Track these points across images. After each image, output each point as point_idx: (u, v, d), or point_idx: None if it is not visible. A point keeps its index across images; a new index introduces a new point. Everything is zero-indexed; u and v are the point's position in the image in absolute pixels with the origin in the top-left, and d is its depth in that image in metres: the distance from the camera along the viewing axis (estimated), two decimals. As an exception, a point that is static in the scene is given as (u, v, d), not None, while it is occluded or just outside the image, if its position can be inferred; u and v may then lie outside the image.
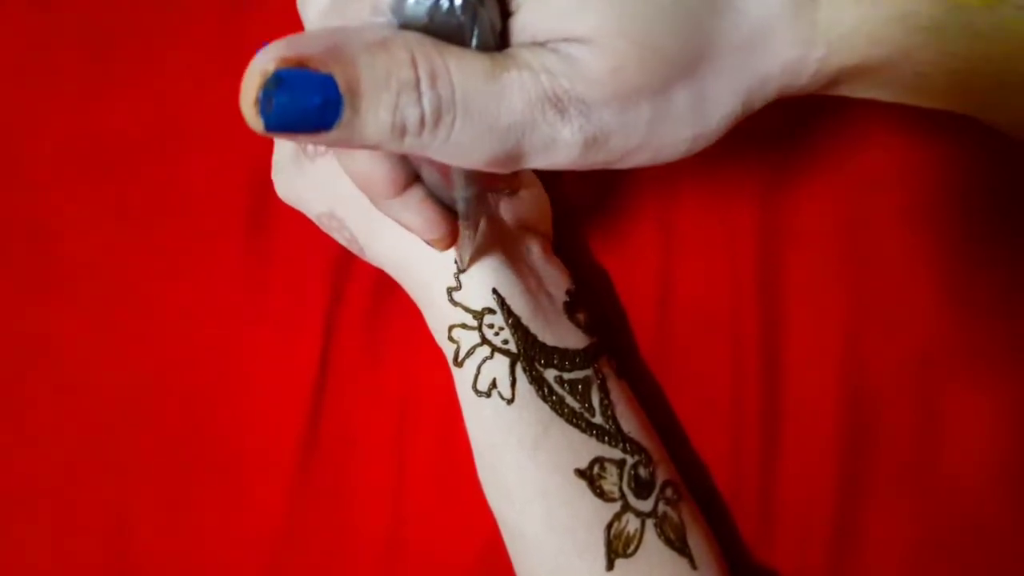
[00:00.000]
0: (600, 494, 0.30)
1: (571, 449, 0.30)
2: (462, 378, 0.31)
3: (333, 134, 0.17)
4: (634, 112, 0.19)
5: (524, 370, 0.30)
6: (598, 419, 0.31)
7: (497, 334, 0.31)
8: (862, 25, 0.19)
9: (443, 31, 0.18)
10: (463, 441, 0.32)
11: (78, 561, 0.37)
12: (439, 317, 0.32)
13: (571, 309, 0.33)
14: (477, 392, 0.31)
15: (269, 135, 0.17)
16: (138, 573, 0.37)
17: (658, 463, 0.31)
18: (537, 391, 0.30)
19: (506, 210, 0.33)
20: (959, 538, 0.34)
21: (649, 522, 0.30)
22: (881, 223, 0.36)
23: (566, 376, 0.31)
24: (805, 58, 0.19)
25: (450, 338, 0.31)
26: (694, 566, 0.30)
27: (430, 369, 0.36)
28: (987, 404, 0.34)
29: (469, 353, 0.31)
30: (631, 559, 0.29)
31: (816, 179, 0.36)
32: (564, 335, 0.32)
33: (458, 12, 0.17)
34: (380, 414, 0.37)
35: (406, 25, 0.18)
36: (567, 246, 0.36)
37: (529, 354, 0.31)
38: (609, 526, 0.29)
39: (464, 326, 0.31)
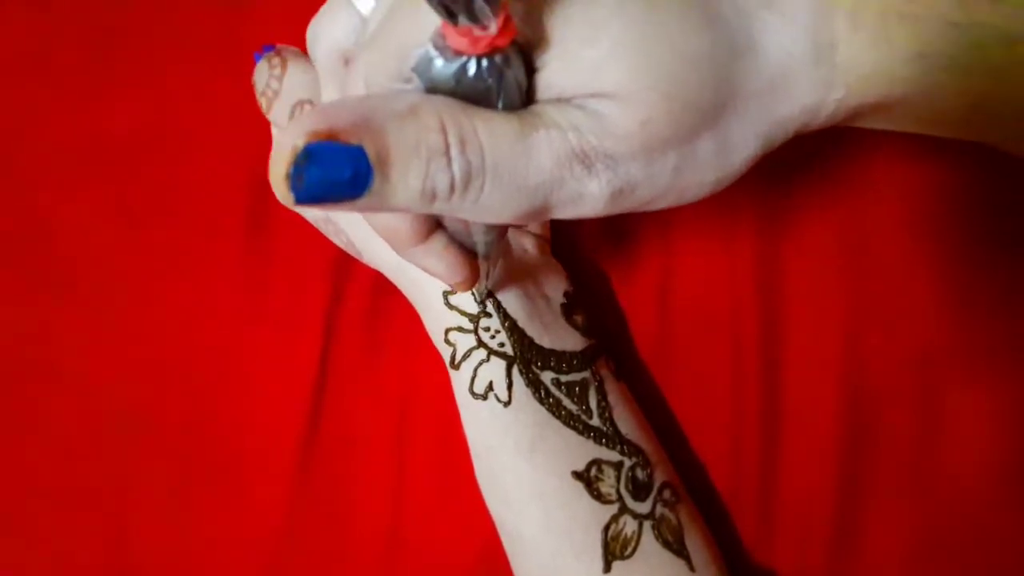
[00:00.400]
0: (597, 496, 0.30)
1: (568, 451, 0.30)
2: (459, 381, 0.31)
3: (362, 202, 0.17)
4: (660, 162, 0.19)
5: (521, 373, 0.30)
6: (595, 421, 0.31)
7: (493, 337, 0.31)
8: (881, 66, 0.19)
9: (470, 93, 0.17)
10: (463, 441, 0.32)
11: (78, 561, 0.37)
12: (436, 320, 0.32)
13: (568, 311, 0.33)
14: (474, 395, 0.31)
15: (298, 207, 0.16)
16: (138, 573, 0.37)
17: (656, 465, 0.31)
18: (534, 394, 0.30)
19: None
20: (959, 538, 0.34)
21: (646, 524, 0.30)
22: (881, 225, 0.36)
23: (563, 378, 0.31)
24: (824, 99, 0.20)
25: (446, 341, 0.32)
26: (692, 568, 0.30)
27: (430, 369, 0.36)
28: (987, 404, 0.34)
29: (465, 356, 0.31)
30: (628, 561, 0.29)
31: (816, 182, 0.36)
32: (562, 337, 0.32)
33: (485, 74, 0.17)
34: (380, 414, 0.37)
35: (433, 87, 0.18)
36: (565, 247, 0.36)
37: (526, 357, 0.31)
38: (606, 528, 0.29)
39: (460, 329, 0.31)
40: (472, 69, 0.17)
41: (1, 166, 0.40)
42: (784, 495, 0.35)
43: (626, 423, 0.31)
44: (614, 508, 0.30)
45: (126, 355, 0.38)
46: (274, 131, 0.34)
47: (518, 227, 0.33)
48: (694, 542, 0.31)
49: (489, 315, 0.31)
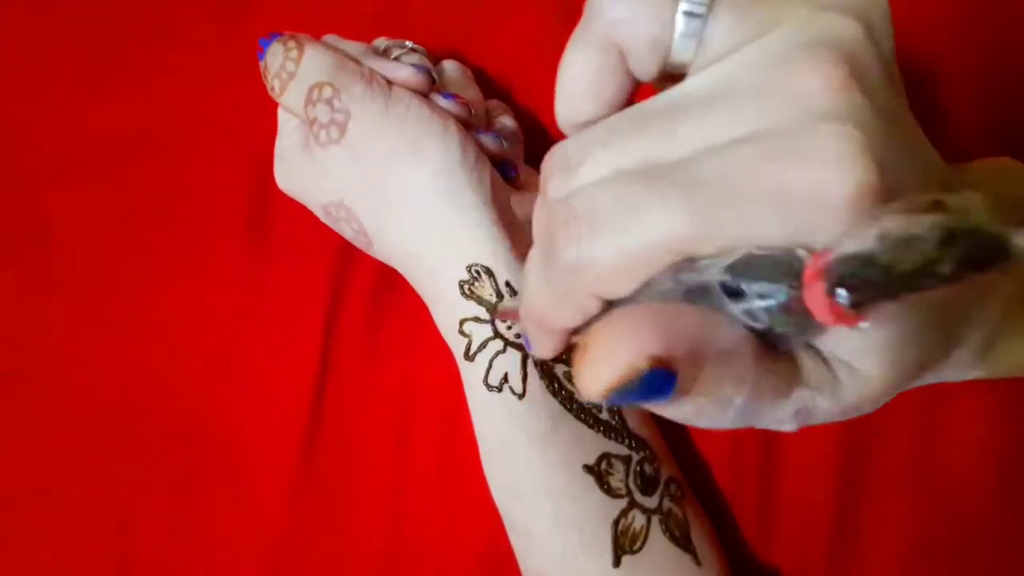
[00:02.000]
0: (608, 490, 0.30)
1: (580, 445, 0.30)
2: (472, 372, 0.31)
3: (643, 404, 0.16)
4: (832, 418, 0.19)
5: (536, 365, 0.30)
6: (605, 415, 0.31)
7: (510, 328, 0.31)
8: (1019, 360, 0.21)
9: (763, 328, 0.16)
10: (464, 441, 0.32)
11: (79, 561, 0.37)
12: (448, 311, 0.32)
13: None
14: (488, 387, 0.31)
15: (598, 400, 0.16)
16: (139, 572, 0.36)
17: (662, 460, 0.31)
18: (548, 386, 0.30)
19: (518, 205, 0.33)
20: (958, 537, 0.34)
21: (655, 519, 0.30)
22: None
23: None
24: (963, 376, 0.21)
25: (461, 332, 0.31)
26: (698, 563, 0.30)
27: (430, 369, 0.36)
28: (986, 403, 0.34)
29: (481, 347, 0.31)
30: (637, 555, 0.29)
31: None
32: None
33: (799, 331, 0.16)
34: (380, 414, 0.37)
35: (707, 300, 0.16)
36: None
37: None
38: (616, 522, 0.29)
39: (477, 319, 0.31)
40: (796, 328, 0.16)
41: (1, 166, 0.40)
42: (784, 494, 0.35)
43: (633, 418, 0.31)
44: (623, 502, 0.30)
45: (126, 355, 0.38)
46: (281, 114, 0.34)
47: None
48: (700, 538, 0.31)
49: None
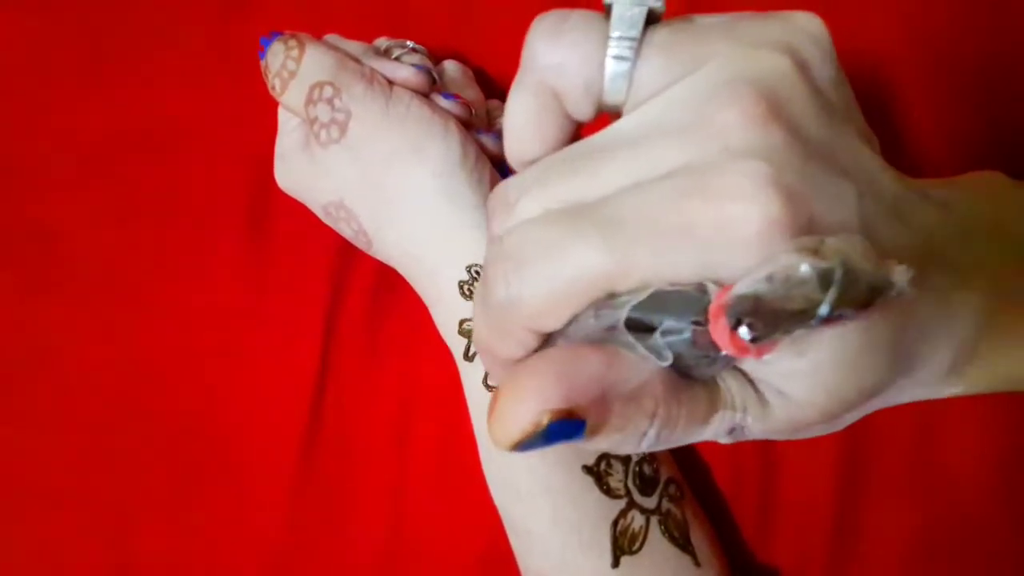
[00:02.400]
0: (607, 491, 0.30)
1: (579, 446, 0.30)
2: (471, 373, 0.31)
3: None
4: (772, 436, 0.20)
5: None
6: None
7: None
8: (1007, 374, 0.21)
9: (679, 358, 0.17)
10: (464, 441, 0.32)
11: (79, 561, 0.37)
12: (448, 311, 0.32)
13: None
14: (487, 387, 0.31)
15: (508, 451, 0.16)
16: (139, 573, 0.37)
17: (661, 460, 0.31)
18: None
19: None
20: (958, 537, 0.34)
21: (654, 519, 0.30)
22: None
23: None
24: (938, 393, 0.21)
25: (460, 332, 0.31)
26: (697, 563, 0.30)
27: (430, 369, 0.36)
28: (985, 402, 0.34)
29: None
30: (636, 556, 0.29)
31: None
32: None
33: (716, 365, 0.17)
34: (380, 414, 0.37)
35: (621, 339, 0.17)
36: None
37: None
38: (615, 523, 0.29)
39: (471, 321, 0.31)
40: (707, 359, 0.17)
41: (1, 166, 0.40)
42: (784, 495, 0.35)
43: None
44: (622, 503, 0.30)
45: (126, 354, 0.38)
46: (281, 113, 0.34)
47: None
48: (699, 538, 0.31)
49: None
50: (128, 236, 0.39)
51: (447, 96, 0.33)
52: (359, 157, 0.31)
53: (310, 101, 0.31)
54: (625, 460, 0.30)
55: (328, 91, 0.31)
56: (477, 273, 0.31)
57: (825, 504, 0.35)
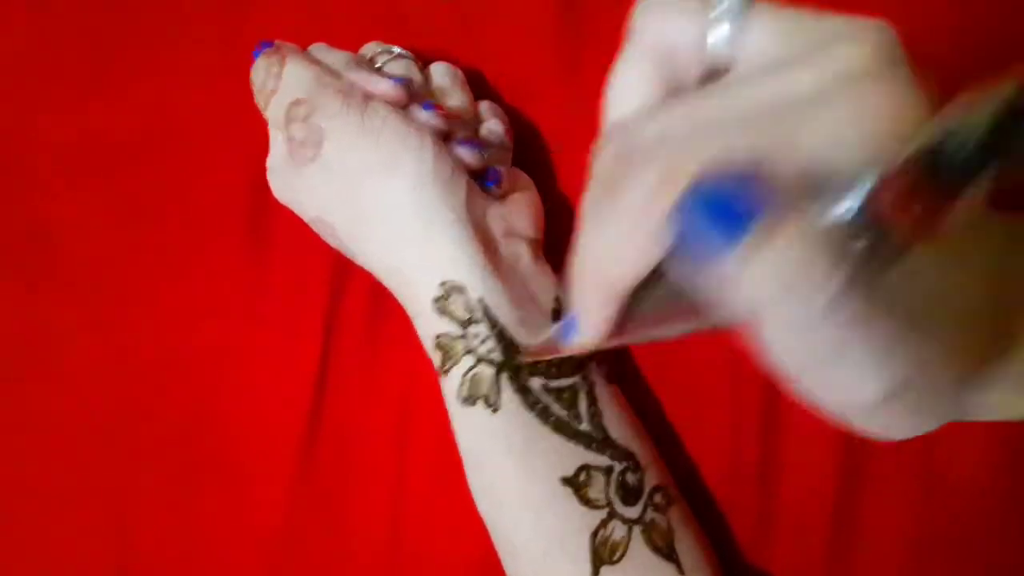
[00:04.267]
0: (586, 502, 0.30)
1: (557, 457, 0.30)
2: (448, 387, 0.31)
3: (726, 259, 0.15)
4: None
5: (509, 379, 0.31)
6: (585, 426, 0.31)
7: (482, 343, 0.31)
8: (1009, 407, 0.21)
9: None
10: (463, 441, 0.32)
11: (78, 561, 0.37)
12: (426, 324, 0.32)
13: (559, 316, 0.33)
14: (463, 401, 0.31)
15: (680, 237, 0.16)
16: (139, 572, 0.37)
17: (647, 468, 0.31)
18: (522, 400, 0.30)
19: (495, 217, 0.33)
20: (957, 539, 0.34)
21: (636, 529, 0.30)
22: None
23: (552, 384, 0.31)
24: (1003, 414, 0.21)
25: (436, 346, 0.32)
26: (682, 571, 0.30)
27: (430, 369, 0.36)
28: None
29: (455, 362, 0.31)
30: (617, 566, 0.29)
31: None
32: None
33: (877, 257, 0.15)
34: (380, 414, 0.37)
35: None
36: (560, 249, 0.36)
37: (514, 363, 0.31)
38: (595, 533, 0.29)
39: (449, 335, 0.31)
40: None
41: (1, 166, 0.40)
42: (784, 495, 0.35)
43: (616, 427, 0.31)
44: (603, 513, 0.30)
45: (126, 355, 0.38)
46: (270, 127, 0.34)
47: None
48: (686, 546, 0.31)
49: (478, 321, 0.31)
50: (128, 236, 0.39)
51: (427, 107, 0.32)
52: (334, 176, 0.32)
53: (288, 119, 0.32)
54: (606, 471, 0.30)
55: (303, 110, 0.32)
56: (450, 289, 0.31)
57: (824, 506, 0.35)
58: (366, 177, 0.31)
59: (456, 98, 0.35)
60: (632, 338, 0.22)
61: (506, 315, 0.31)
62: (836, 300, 0.15)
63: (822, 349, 0.16)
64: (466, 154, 0.32)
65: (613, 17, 0.39)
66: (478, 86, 0.40)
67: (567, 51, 0.39)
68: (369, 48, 0.36)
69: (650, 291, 0.18)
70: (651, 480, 0.31)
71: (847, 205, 0.15)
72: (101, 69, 0.41)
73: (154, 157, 0.40)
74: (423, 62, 0.36)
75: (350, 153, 0.31)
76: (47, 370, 0.38)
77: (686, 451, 0.36)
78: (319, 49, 0.34)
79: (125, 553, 0.37)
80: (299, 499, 0.36)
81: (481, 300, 0.31)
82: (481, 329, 0.31)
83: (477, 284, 0.31)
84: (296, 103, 0.32)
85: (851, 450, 0.35)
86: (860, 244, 0.15)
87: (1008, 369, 0.20)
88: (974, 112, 0.13)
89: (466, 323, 0.31)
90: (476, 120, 0.35)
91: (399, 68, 0.34)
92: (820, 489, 0.35)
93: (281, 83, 0.32)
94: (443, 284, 0.31)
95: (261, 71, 0.33)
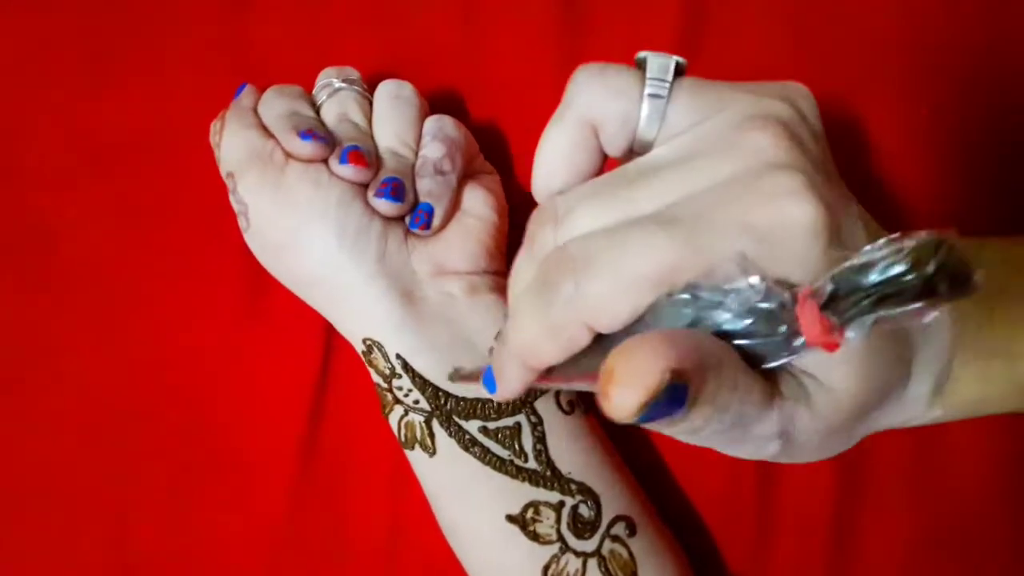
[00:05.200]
0: (535, 538, 0.30)
1: (500, 496, 0.30)
2: (392, 429, 0.33)
3: (654, 424, 0.18)
4: (815, 441, 0.21)
5: (441, 425, 0.31)
6: (531, 464, 0.31)
7: (407, 395, 0.32)
8: (979, 393, 0.23)
9: (744, 334, 0.18)
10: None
11: (78, 560, 0.37)
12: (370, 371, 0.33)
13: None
14: (402, 445, 0.32)
15: (629, 421, 0.17)
16: (138, 572, 0.37)
17: (608, 499, 0.31)
18: (458, 443, 0.31)
19: (422, 259, 0.33)
20: (957, 543, 0.34)
21: (592, 562, 0.30)
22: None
23: (491, 425, 0.31)
24: (924, 416, 0.23)
25: (377, 393, 0.33)
26: None
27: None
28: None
29: (389, 410, 0.32)
30: None
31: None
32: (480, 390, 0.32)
33: (790, 351, 0.18)
34: (380, 414, 0.37)
35: (695, 324, 0.18)
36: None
37: (445, 409, 0.31)
38: (546, 568, 0.30)
39: (380, 386, 0.32)
40: (784, 345, 0.18)
41: (1, 166, 0.40)
42: (784, 496, 0.35)
43: (569, 461, 0.31)
44: (554, 548, 0.30)
45: (126, 355, 0.38)
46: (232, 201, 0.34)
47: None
48: (651, 573, 0.31)
49: (400, 375, 0.32)
50: (128, 236, 0.39)
51: (343, 160, 0.32)
52: (263, 246, 0.34)
53: (229, 190, 0.34)
54: (557, 506, 0.30)
55: (231, 183, 0.33)
56: (370, 346, 0.32)
57: (824, 511, 0.35)
58: (283, 250, 0.33)
59: (393, 124, 0.34)
60: (547, 386, 0.24)
61: (431, 365, 0.32)
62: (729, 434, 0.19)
63: (722, 444, 0.20)
64: (382, 206, 0.32)
65: (613, 17, 0.40)
66: (477, 86, 0.40)
67: (567, 51, 0.39)
68: (321, 77, 0.35)
69: (568, 362, 0.19)
70: (611, 511, 0.31)
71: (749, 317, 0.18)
72: (100, 69, 0.41)
73: (154, 157, 0.40)
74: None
75: (268, 227, 0.33)
76: (47, 370, 0.38)
77: (686, 454, 0.36)
78: (272, 94, 0.34)
79: (125, 553, 0.37)
80: (300, 498, 0.36)
81: (399, 356, 0.32)
82: (404, 382, 0.32)
83: (392, 340, 0.32)
84: (228, 176, 0.33)
85: (851, 452, 0.35)
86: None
87: (904, 394, 0.22)
88: (898, 244, 0.16)
89: (389, 377, 0.32)
90: (409, 150, 0.34)
91: (335, 106, 0.34)
92: (820, 495, 0.35)
93: (220, 153, 0.34)
94: (365, 341, 0.32)
95: (213, 135, 0.35)
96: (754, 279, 0.17)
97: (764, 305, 0.17)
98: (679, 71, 0.20)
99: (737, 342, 0.18)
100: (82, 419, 0.38)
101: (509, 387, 0.21)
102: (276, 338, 0.38)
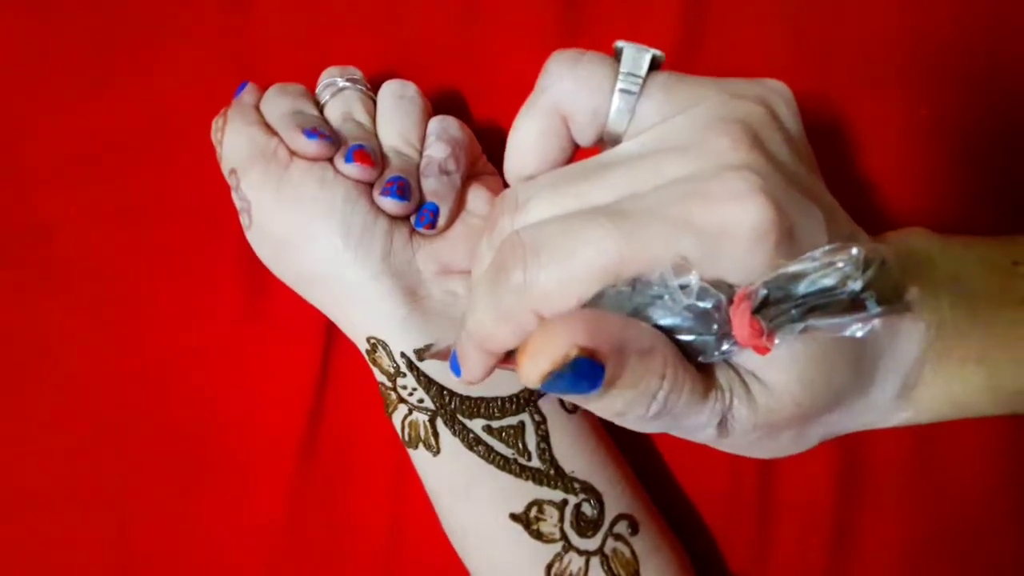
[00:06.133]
0: (538, 536, 0.30)
1: (504, 494, 0.31)
2: (396, 429, 0.33)
3: (572, 396, 0.19)
4: (759, 437, 0.22)
5: (445, 423, 0.31)
6: (535, 462, 0.31)
7: (411, 394, 0.32)
8: (951, 397, 0.23)
9: (684, 327, 0.19)
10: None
11: (78, 560, 0.37)
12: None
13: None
14: (406, 444, 0.32)
15: (535, 387, 0.18)
16: (138, 572, 0.37)
17: (610, 497, 0.31)
18: (463, 442, 0.31)
19: (426, 257, 0.33)
20: (957, 542, 0.34)
21: (594, 560, 0.30)
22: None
23: (495, 424, 0.31)
24: (891, 419, 0.23)
25: (380, 392, 0.33)
26: None
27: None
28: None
29: (393, 408, 0.32)
30: None
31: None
32: (495, 381, 0.31)
33: (721, 350, 0.19)
34: (380, 414, 0.37)
35: (634, 313, 0.19)
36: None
37: (449, 409, 0.31)
38: (549, 566, 0.30)
39: (384, 385, 0.32)
40: (717, 343, 0.19)
41: (1, 166, 0.40)
42: (784, 496, 0.35)
43: (574, 459, 0.31)
44: (557, 547, 0.30)
45: (126, 355, 0.38)
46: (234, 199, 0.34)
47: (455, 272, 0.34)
48: (653, 572, 0.31)
49: (404, 374, 0.32)
50: (128, 236, 0.39)
51: (348, 159, 0.32)
52: (265, 243, 0.34)
53: (231, 187, 0.34)
54: (560, 504, 0.30)
55: (234, 180, 0.33)
56: (374, 345, 0.32)
57: (824, 511, 0.35)
58: (286, 248, 0.33)
59: (397, 124, 0.34)
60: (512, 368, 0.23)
61: (437, 364, 0.31)
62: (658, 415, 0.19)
63: (652, 429, 0.21)
64: (388, 205, 0.32)
65: (614, 17, 0.40)
66: (479, 87, 0.40)
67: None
68: (324, 76, 0.35)
69: None
70: (614, 509, 0.31)
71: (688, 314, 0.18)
72: (100, 69, 0.41)
73: (154, 157, 0.40)
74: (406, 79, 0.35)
75: (271, 224, 0.32)
76: (47, 370, 0.38)
77: (686, 454, 0.36)
78: (275, 92, 0.34)
79: (125, 553, 0.37)
80: (300, 498, 0.36)
81: (403, 354, 0.32)
82: (408, 381, 0.32)
83: (397, 339, 0.32)
84: (231, 173, 0.33)
85: (851, 451, 0.35)
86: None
87: (867, 398, 0.22)
88: (855, 246, 0.16)
89: (393, 376, 0.32)
90: (414, 149, 0.34)
91: (339, 105, 0.34)
92: (820, 494, 0.35)
93: (223, 151, 0.34)
94: (369, 339, 0.32)
95: (214, 132, 0.35)
96: (690, 279, 0.18)
97: (700, 304, 0.18)
98: (655, 65, 0.20)
99: (677, 337, 0.19)
100: (82, 419, 0.38)
101: (471, 371, 0.22)
102: (276, 338, 0.38)
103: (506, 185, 0.22)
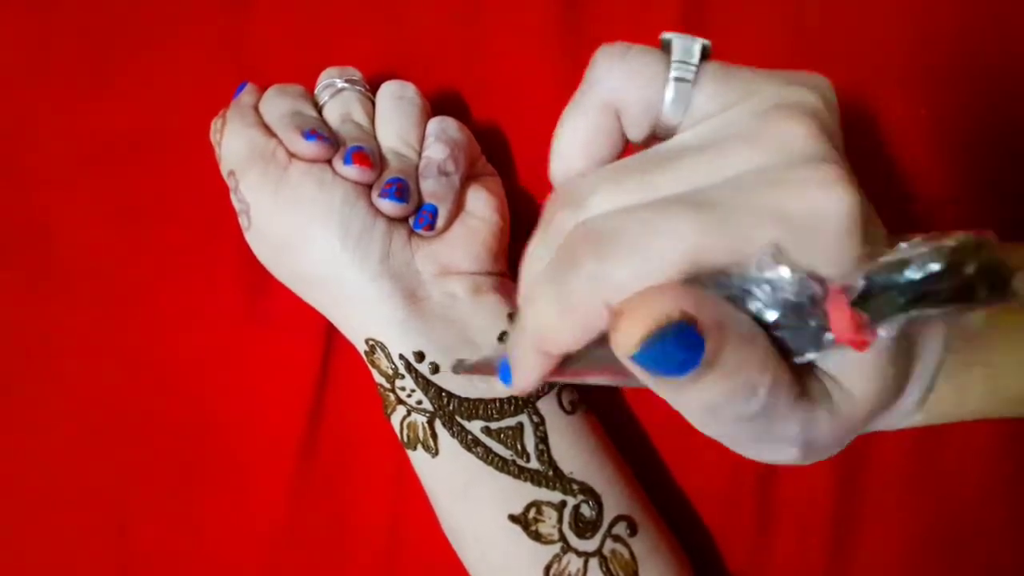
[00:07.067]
0: (537, 537, 0.30)
1: (503, 495, 0.30)
2: (394, 430, 0.33)
3: (663, 383, 0.17)
4: (821, 444, 0.21)
5: (444, 425, 0.31)
6: (533, 463, 0.31)
7: (410, 395, 0.32)
8: (956, 400, 0.23)
9: (777, 322, 0.17)
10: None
11: (78, 560, 0.37)
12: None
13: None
14: (405, 445, 0.32)
15: (629, 363, 0.17)
16: (138, 572, 0.37)
17: (609, 498, 0.31)
18: (461, 443, 0.31)
19: (425, 259, 0.33)
20: (957, 539, 0.34)
21: (593, 561, 0.30)
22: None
23: (494, 425, 0.31)
24: (905, 422, 0.23)
25: (379, 393, 0.33)
26: None
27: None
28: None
29: (392, 410, 0.32)
30: None
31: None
32: (493, 382, 0.31)
33: (817, 346, 0.18)
34: (380, 414, 0.37)
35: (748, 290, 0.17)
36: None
37: (448, 410, 0.31)
38: (548, 567, 0.30)
39: (383, 386, 0.32)
40: (812, 340, 0.17)
41: (1, 166, 0.40)
42: (784, 495, 0.35)
43: (573, 461, 0.31)
44: (556, 548, 0.30)
45: (126, 355, 0.38)
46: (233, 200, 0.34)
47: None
48: (652, 573, 0.31)
49: (403, 376, 0.32)
50: (128, 236, 0.39)
51: (347, 161, 0.32)
52: (264, 244, 0.34)
53: (229, 189, 0.34)
54: (559, 506, 0.30)
55: (232, 182, 0.33)
56: (373, 347, 0.32)
57: (824, 511, 0.35)
58: (285, 249, 0.33)
59: (396, 125, 0.34)
60: (563, 380, 0.24)
61: (432, 365, 0.32)
62: (753, 420, 0.18)
63: (742, 438, 0.20)
64: (386, 206, 0.32)
65: (614, 18, 0.39)
66: (478, 88, 0.40)
67: (568, 53, 0.39)
68: (323, 77, 0.35)
69: (585, 353, 0.19)
70: (612, 510, 0.31)
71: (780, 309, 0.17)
72: (100, 69, 0.41)
73: (154, 157, 0.40)
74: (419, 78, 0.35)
75: (270, 225, 0.32)
76: (47, 370, 0.38)
77: (686, 453, 0.36)
78: (274, 93, 0.34)
79: (125, 553, 0.37)
80: (299, 499, 0.37)
81: (402, 356, 0.32)
82: (407, 383, 0.32)
83: (396, 341, 0.32)
84: (230, 174, 0.33)
85: (851, 450, 0.35)
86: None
87: (904, 401, 0.22)
88: (936, 243, 0.15)
89: (392, 377, 0.32)
90: (412, 151, 0.34)
91: (338, 107, 0.34)
92: (821, 488, 0.35)
93: (221, 152, 0.34)
94: (367, 341, 0.32)
95: (213, 133, 0.35)
96: (786, 270, 0.16)
97: (794, 298, 0.17)
98: (704, 54, 0.19)
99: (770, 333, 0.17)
100: (82, 419, 0.38)
101: (526, 377, 0.20)
102: (276, 339, 0.38)
103: (537, 188, 0.21)
